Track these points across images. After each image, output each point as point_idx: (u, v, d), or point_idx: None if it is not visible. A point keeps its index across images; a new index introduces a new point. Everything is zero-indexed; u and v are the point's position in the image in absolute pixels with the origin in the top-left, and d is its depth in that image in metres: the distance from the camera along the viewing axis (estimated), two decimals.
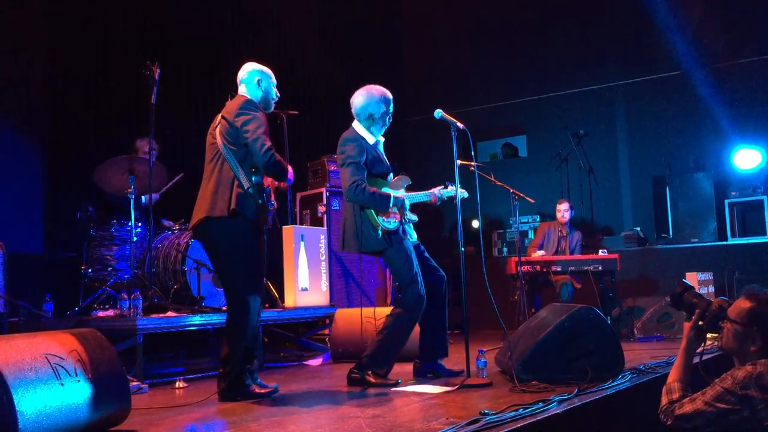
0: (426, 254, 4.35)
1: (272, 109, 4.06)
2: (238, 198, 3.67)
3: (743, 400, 2.37)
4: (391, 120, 4.32)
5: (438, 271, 4.34)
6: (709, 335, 2.69)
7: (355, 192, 4.02)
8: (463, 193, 4.30)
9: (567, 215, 7.32)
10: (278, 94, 4.06)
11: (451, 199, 4.39)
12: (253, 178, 3.71)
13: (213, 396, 3.72)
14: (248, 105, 3.79)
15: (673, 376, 2.63)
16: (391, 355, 4.11)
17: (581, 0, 9.24)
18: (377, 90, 4.26)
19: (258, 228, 3.77)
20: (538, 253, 7.09)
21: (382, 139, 4.33)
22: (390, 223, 4.09)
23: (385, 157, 4.32)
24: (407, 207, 4.24)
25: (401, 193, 4.27)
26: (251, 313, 3.69)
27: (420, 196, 4.39)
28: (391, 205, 4.09)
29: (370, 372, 4.03)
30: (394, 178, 4.34)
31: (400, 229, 4.15)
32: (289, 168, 3.83)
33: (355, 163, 4.08)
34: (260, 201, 3.71)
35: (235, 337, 3.68)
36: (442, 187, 4.46)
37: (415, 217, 4.27)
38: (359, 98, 4.25)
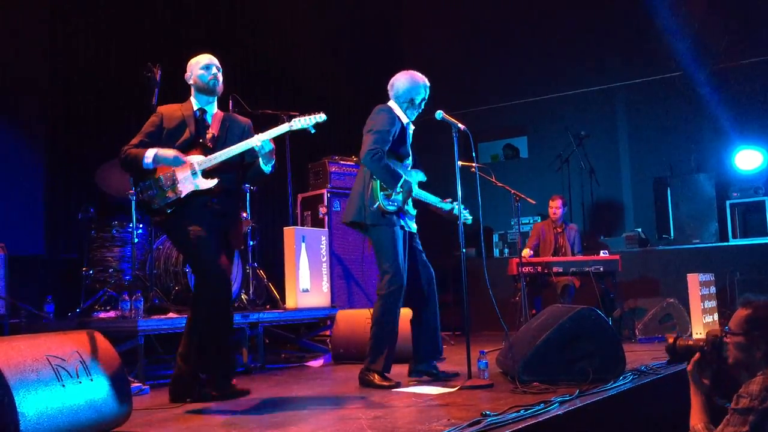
0: (420, 247, 4.31)
1: (218, 92, 3.91)
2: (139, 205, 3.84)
3: (766, 413, 2.30)
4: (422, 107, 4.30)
5: (429, 268, 4.31)
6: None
7: (372, 158, 3.97)
8: (466, 218, 4.23)
9: (559, 212, 7.31)
10: (213, 73, 3.86)
11: (449, 214, 4.36)
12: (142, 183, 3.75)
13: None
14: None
15: (694, 419, 2.60)
16: (383, 349, 4.03)
17: (582, 0, 9.23)
18: (420, 77, 4.27)
19: (173, 216, 3.71)
20: (526, 252, 7.06)
21: (413, 127, 4.33)
22: (390, 204, 4.06)
23: (409, 142, 4.31)
24: (411, 196, 4.21)
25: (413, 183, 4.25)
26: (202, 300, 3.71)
27: (430, 197, 4.40)
28: (400, 184, 4.03)
29: (368, 371, 4.04)
30: (410, 167, 4.32)
31: (397, 215, 4.11)
32: (149, 152, 3.66)
33: (382, 132, 4.05)
34: (151, 195, 3.70)
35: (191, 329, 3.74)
36: (450, 200, 4.41)
37: (413, 210, 4.25)
38: (403, 81, 4.25)
